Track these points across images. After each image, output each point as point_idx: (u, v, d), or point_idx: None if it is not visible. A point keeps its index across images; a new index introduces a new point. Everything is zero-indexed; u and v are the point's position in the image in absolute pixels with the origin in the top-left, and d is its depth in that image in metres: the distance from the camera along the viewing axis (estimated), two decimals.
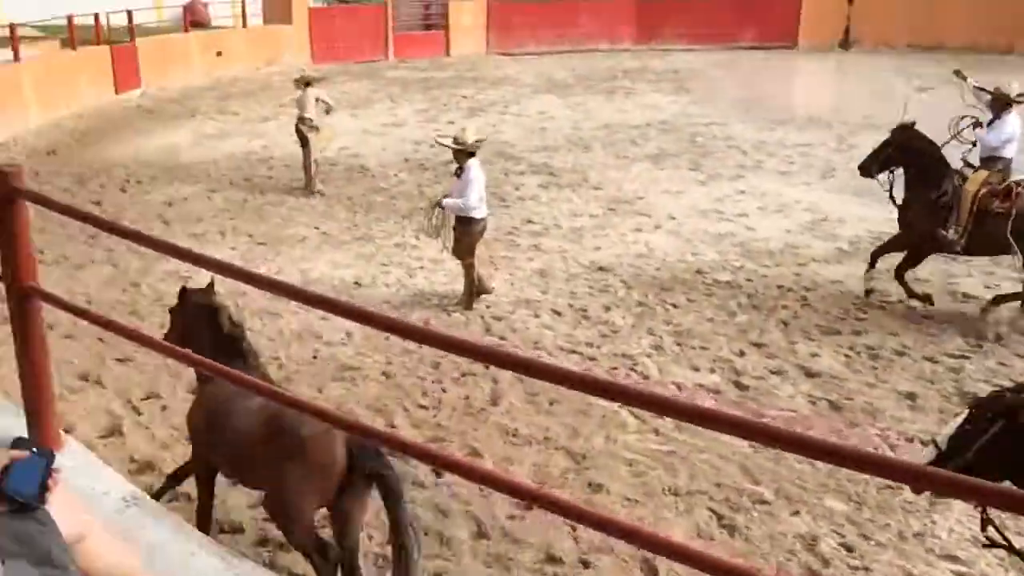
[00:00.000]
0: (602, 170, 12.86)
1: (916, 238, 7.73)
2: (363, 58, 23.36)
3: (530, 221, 10.41)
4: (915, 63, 24.62)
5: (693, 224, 10.40)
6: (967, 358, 6.79)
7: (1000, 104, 8.27)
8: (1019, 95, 8.25)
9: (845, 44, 26.70)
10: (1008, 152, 8.34)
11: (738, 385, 6.47)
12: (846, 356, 6.87)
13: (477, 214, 7.75)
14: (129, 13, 17.53)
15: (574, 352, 7.00)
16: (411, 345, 7.09)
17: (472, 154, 7.71)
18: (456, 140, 7.71)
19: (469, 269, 7.80)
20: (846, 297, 8.11)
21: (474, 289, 7.85)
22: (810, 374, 6.60)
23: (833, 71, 21.99)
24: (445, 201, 7.81)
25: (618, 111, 17.58)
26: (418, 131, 15.37)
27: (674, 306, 7.94)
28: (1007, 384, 6.30)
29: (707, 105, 18.36)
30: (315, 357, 6.89)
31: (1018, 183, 7.26)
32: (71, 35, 16.02)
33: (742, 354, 6.95)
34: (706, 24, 28.03)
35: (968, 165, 7.78)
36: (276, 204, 10.89)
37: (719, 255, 9.34)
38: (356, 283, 8.44)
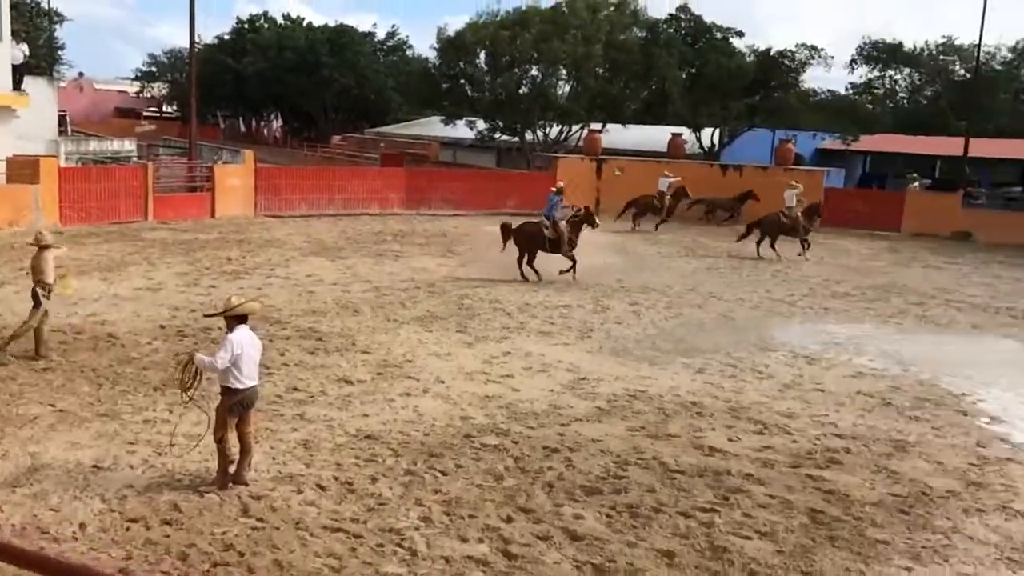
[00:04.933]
0: (371, 333, 12.80)
1: None
2: (119, 219, 22.33)
3: (295, 389, 10.06)
4: (662, 230, 27.01)
5: (461, 387, 10.49)
6: (716, 511, 7.15)
7: None
8: None
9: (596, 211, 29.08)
10: None
11: (506, 554, 6.38)
12: (608, 516, 7.02)
13: (236, 384, 7.34)
14: None
15: (339, 530, 6.65)
16: (156, 534, 6.47)
17: (243, 320, 7.42)
18: (226, 307, 7.42)
19: (221, 445, 7.32)
20: (607, 455, 8.37)
21: (228, 468, 7.35)
22: (575, 537, 6.65)
23: (590, 240, 23.66)
24: (197, 356, 7.45)
25: (387, 273, 17.80)
26: (177, 295, 14.69)
27: (443, 473, 7.83)
28: (754, 536, 6.69)
29: (474, 268, 19.04)
30: (42, 549, 6.06)
31: None
32: None
33: (510, 520, 6.92)
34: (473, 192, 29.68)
35: None
36: (5, 379, 9.83)
37: (487, 418, 9.42)
38: (95, 466, 7.63)
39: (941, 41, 44.15)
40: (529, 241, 17.54)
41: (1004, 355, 14.03)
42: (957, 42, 42.98)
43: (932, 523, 7.20)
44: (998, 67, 42.26)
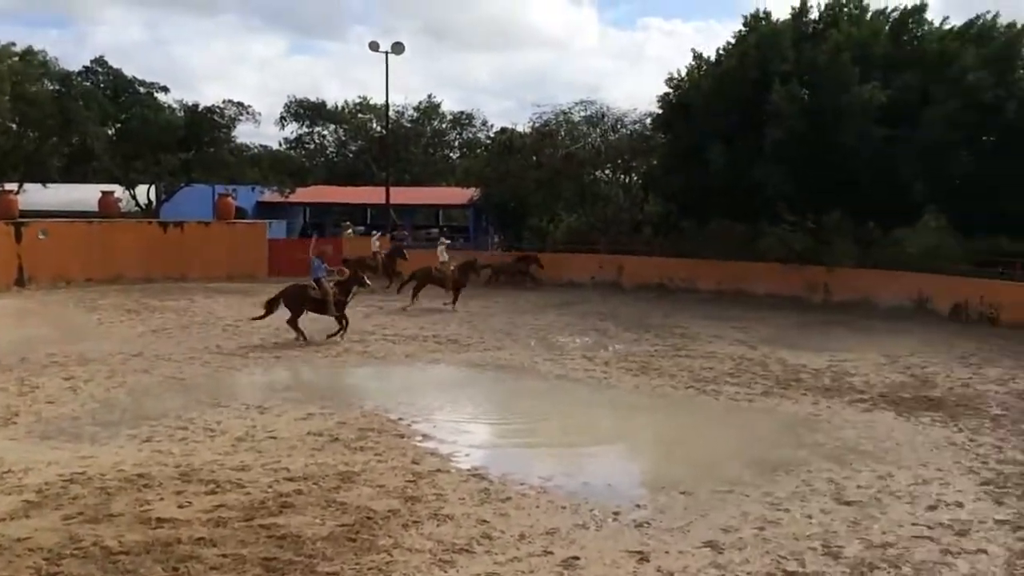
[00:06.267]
0: None
1: None
2: None
3: None
4: (96, 294, 25.27)
5: None
6: None
7: None
8: None
9: (21, 282, 26.03)
10: None
11: None
12: None
13: None
14: None
15: None
16: None
17: None
18: None
19: None
20: (37, 553, 7.39)
21: None
22: None
23: (12, 313, 20.93)
24: None
25: None
26: None
27: None
28: None
29: None
30: None
31: None
32: None
33: None
34: None
35: None
36: None
37: None
38: None
39: (358, 101, 48.69)
40: (294, 301, 18.52)
41: (433, 378, 15.85)
42: (372, 102, 47.77)
43: (376, 544, 7.74)
44: (407, 124, 47.91)
